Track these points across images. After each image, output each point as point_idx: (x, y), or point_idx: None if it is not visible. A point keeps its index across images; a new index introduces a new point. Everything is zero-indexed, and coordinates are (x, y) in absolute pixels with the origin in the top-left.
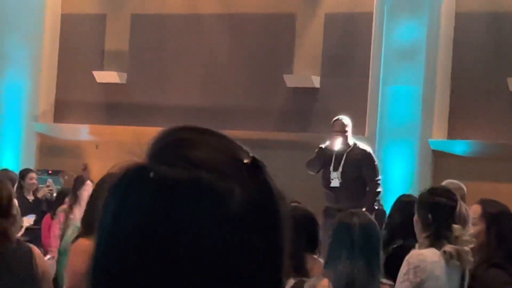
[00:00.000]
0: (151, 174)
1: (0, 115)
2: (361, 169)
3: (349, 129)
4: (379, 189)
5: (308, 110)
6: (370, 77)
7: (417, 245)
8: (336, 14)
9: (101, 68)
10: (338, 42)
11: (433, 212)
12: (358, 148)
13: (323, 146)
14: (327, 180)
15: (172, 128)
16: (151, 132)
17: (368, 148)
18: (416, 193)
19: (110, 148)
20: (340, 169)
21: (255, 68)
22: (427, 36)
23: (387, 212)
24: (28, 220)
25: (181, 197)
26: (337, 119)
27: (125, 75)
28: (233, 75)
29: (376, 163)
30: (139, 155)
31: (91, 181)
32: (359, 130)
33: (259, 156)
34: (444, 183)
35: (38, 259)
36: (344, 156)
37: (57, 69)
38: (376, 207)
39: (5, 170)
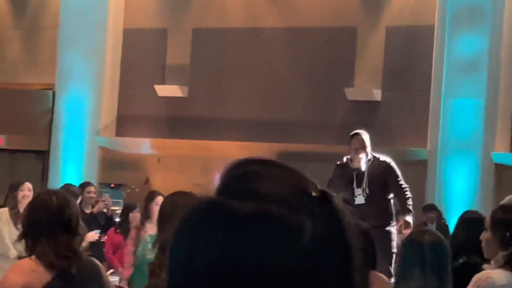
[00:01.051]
0: (222, 209)
1: (63, 129)
2: (385, 182)
3: (368, 143)
4: (409, 195)
5: (369, 124)
6: (432, 90)
7: (492, 262)
8: (397, 27)
9: (162, 82)
10: (399, 55)
11: (511, 230)
12: (378, 160)
13: (340, 163)
14: (351, 197)
15: (239, 160)
16: (212, 146)
17: (388, 159)
18: (479, 206)
19: (172, 161)
20: (364, 184)
21: (316, 81)
22: (489, 48)
23: (450, 226)
24: (93, 236)
25: (252, 231)
26: (357, 135)
27: (186, 88)
28: (293, 88)
29: (399, 171)
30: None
31: (162, 196)
32: (420, 143)
33: (319, 169)
34: (508, 198)
35: (104, 275)
36: (366, 171)
37: (119, 84)
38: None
39: (68, 185)
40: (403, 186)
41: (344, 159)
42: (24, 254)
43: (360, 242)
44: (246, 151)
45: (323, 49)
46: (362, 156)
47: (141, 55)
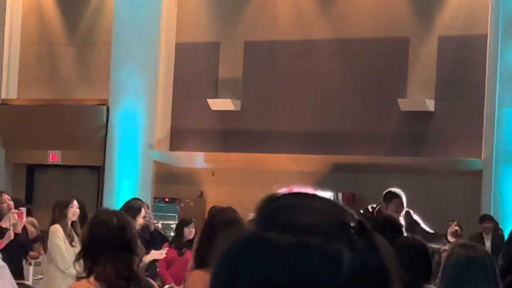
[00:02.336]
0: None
1: (117, 144)
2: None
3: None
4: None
5: (423, 134)
6: (486, 99)
7: None
8: (450, 37)
9: (215, 95)
10: (452, 65)
11: None
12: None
13: (369, 211)
14: None
15: (276, 193)
16: (265, 159)
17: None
18: None
19: (225, 174)
20: None
21: (368, 92)
22: None
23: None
24: (161, 253)
25: (291, 262)
26: (398, 198)
27: (239, 102)
28: (345, 100)
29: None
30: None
31: None
32: (475, 153)
33: (372, 181)
34: None
35: None
36: None
37: (172, 98)
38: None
39: (136, 199)
40: (426, 231)
41: (369, 208)
42: (81, 274)
43: (419, 257)
44: (299, 164)
45: (375, 60)
46: (401, 218)
47: (193, 69)
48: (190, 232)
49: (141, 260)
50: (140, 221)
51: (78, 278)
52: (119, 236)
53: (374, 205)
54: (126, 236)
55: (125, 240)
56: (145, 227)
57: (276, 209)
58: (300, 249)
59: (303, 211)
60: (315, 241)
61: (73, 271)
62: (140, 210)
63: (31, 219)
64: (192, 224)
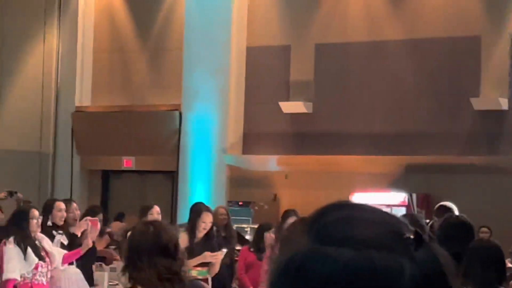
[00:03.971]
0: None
1: (190, 149)
2: None
3: None
4: None
5: (496, 133)
6: None
7: None
8: None
9: (287, 98)
10: None
11: None
12: None
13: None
14: None
15: (331, 206)
16: (338, 161)
17: None
18: None
19: (299, 177)
20: None
21: (440, 92)
22: None
23: None
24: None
25: (354, 277)
26: (451, 212)
27: (310, 104)
28: (418, 100)
29: None
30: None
31: (296, 215)
32: None
33: (446, 181)
34: None
35: None
36: None
37: (244, 101)
38: None
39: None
40: None
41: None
42: (127, 285)
43: (493, 258)
44: (372, 165)
45: (447, 59)
46: None
47: (265, 73)
48: (270, 237)
49: (183, 263)
50: (201, 225)
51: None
52: (156, 241)
53: (427, 221)
54: (162, 240)
55: (162, 245)
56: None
57: (332, 222)
58: (362, 264)
59: (362, 223)
60: (377, 255)
61: None
62: (198, 214)
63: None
64: (273, 230)
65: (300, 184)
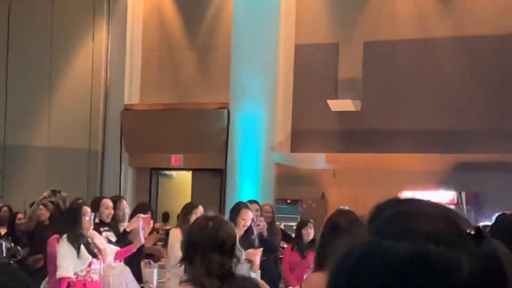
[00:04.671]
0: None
1: (238, 147)
2: None
3: None
4: None
5: None
6: None
7: None
8: None
9: (335, 96)
10: None
11: None
12: None
13: None
14: None
15: (391, 200)
16: (386, 159)
17: None
18: None
19: (347, 175)
20: None
21: (490, 89)
22: None
23: None
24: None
25: (411, 271)
26: None
27: (359, 102)
28: (467, 97)
29: None
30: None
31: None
32: None
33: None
34: None
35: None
36: None
37: (292, 99)
38: None
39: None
40: None
41: None
42: (183, 279)
43: None
44: (421, 163)
45: (497, 56)
46: None
47: (313, 70)
48: (307, 233)
49: (238, 261)
50: (240, 222)
51: (180, 282)
52: (212, 237)
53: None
54: (220, 237)
55: (218, 242)
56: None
57: (392, 216)
58: (420, 258)
59: (421, 218)
60: (435, 250)
61: None
62: (237, 212)
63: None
64: (309, 225)
65: (348, 182)
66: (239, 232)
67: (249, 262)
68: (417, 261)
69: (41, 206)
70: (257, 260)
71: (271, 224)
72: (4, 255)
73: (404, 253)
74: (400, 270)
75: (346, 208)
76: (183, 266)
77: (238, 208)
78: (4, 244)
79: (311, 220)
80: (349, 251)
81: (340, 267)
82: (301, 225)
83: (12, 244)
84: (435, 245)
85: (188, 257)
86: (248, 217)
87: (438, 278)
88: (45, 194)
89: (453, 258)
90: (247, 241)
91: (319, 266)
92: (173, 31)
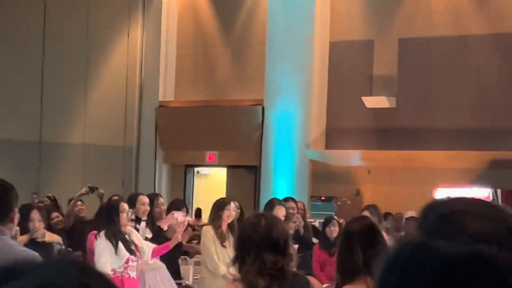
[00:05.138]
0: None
1: (273, 144)
2: None
3: None
4: None
5: None
6: None
7: None
8: None
9: (370, 93)
10: None
11: None
12: None
13: None
14: None
15: (441, 200)
16: (421, 156)
17: None
18: None
19: (382, 172)
20: None
21: None
22: None
23: None
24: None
25: (463, 272)
26: None
27: (394, 99)
28: (503, 95)
29: None
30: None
31: (377, 211)
32: None
33: None
34: None
35: (316, 286)
36: None
37: (327, 96)
38: None
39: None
40: None
41: None
42: (237, 277)
43: None
44: (456, 160)
45: None
46: None
47: (348, 68)
48: (331, 231)
49: (291, 259)
50: (291, 226)
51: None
52: (266, 236)
53: None
54: (273, 235)
55: (271, 240)
56: (296, 231)
57: (442, 215)
58: (472, 258)
59: (472, 217)
60: (487, 250)
61: (221, 272)
62: (271, 208)
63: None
64: (333, 222)
65: (382, 179)
66: None
67: None
68: (469, 261)
69: (79, 203)
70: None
71: (303, 221)
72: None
73: (455, 253)
74: (452, 271)
75: (364, 214)
76: (216, 264)
77: (271, 204)
78: (55, 245)
79: (336, 217)
80: (399, 251)
81: (391, 267)
82: (325, 223)
83: (63, 246)
84: (487, 245)
85: (240, 256)
86: (281, 213)
87: (490, 279)
88: (83, 191)
89: (506, 259)
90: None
91: (344, 279)
92: (208, 28)
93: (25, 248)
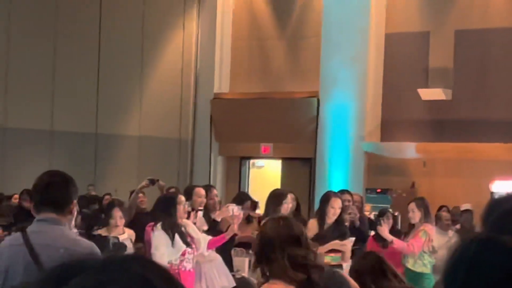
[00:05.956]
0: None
1: (328, 136)
2: None
3: None
4: None
5: None
6: None
7: None
8: None
9: (425, 85)
10: None
11: None
12: None
13: None
14: None
15: (504, 197)
16: (477, 148)
17: None
18: None
19: (437, 165)
20: None
21: None
22: None
23: None
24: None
25: None
26: None
27: (450, 91)
28: None
29: None
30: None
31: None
32: None
33: None
34: None
35: (351, 282)
36: None
37: (382, 88)
38: None
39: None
40: None
41: None
42: (260, 280)
43: None
44: None
45: None
46: None
47: (403, 59)
48: (389, 224)
49: (315, 254)
50: (330, 211)
51: (259, 283)
52: (288, 233)
53: None
54: (295, 232)
55: (294, 236)
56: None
57: (506, 212)
58: None
59: None
60: None
61: None
62: (327, 200)
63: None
64: (387, 215)
65: (438, 171)
66: (328, 220)
67: (339, 252)
68: None
69: (140, 195)
70: (348, 250)
71: (360, 214)
72: (111, 249)
73: None
74: None
75: (411, 206)
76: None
77: (327, 196)
78: (111, 239)
79: (390, 210)
80: (465, 248)
81: (458, 263)
82: (380, 216)
83: (119, 239)
84: None
85: (265, 257)
86: (337, 205)
87: None
88: (144, 183)
89: None
90: (338, 230)
91: None
92: (263, 20)
93: (81, 238)
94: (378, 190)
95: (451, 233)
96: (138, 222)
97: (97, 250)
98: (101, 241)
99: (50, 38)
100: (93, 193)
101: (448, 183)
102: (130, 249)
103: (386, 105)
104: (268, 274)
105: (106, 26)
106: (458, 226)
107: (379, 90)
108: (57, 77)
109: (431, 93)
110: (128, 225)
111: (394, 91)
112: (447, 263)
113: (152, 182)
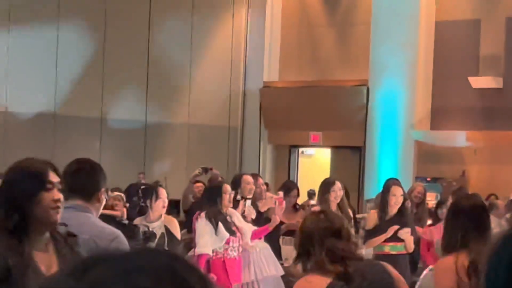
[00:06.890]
0: None
1: (378, 124)
2: None
3: None
4: None
5: None
6: None
7: None
8: None
9: (476, 73)
10: None
11: None
12: None
13: None
14: None
15: None
16: None
17: None
18: None
19: (488, 153)
20: None
21: None
22: None
23: None
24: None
25: None
26: None
27: (501, 79)
28: None
29: None
30: None
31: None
32: None
33: None
34: None
35: (393, 273)
36: None
37: (433, 76)
38: None
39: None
40: None
41: None
42: (301, 274)
43: None
44: None
45: None
46: None
47: (454, 47)
48: (442, 213)
49: (356, 246)
50: (391, 199)
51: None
52: (328, 226)
53: None
54: (335, 225)
55: (335, 229)
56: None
57: None
58: None
59: None
60: None
61: None
62: (388, 189)
63: None
64: (446, 204)
65: (489, 160)
66: (391, 210)
67: (401, 241)
68: None
69: (199, 184)
70: (409, 238)
71: (421, 204)
72: (141, 237)
73: None
74: None
75: (474, 192)
76: None
77: (388, 185)
78: (141, 227)
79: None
80: (506, 244)
81: (499, 258)
82: (438, 205)
83: (148, 228)
84: None
85: (305, 252)
86: (399, 193)
87: None
88: (197, 171)
89: None
90: (400, 219)
91: (446, 249)
92: (312, 8)
93: (108, 226)
94: (428, 179)
95: (503, 222)
96: (192, 211)
97: (122, 238)
98: (131, 230)
99: (101, 27)
100: (143, 181)
101: (499, 171)
102: (161, 237)
103: (436, 93)
104: (308, 269)
105: (156, 14)
106: (508, 215)
107: (429, 78)
108: (108, 67)
109: (481, 81)
110: (185, 213)
111: (445, 79)
112: (487, 259)
113: (206, 170)
